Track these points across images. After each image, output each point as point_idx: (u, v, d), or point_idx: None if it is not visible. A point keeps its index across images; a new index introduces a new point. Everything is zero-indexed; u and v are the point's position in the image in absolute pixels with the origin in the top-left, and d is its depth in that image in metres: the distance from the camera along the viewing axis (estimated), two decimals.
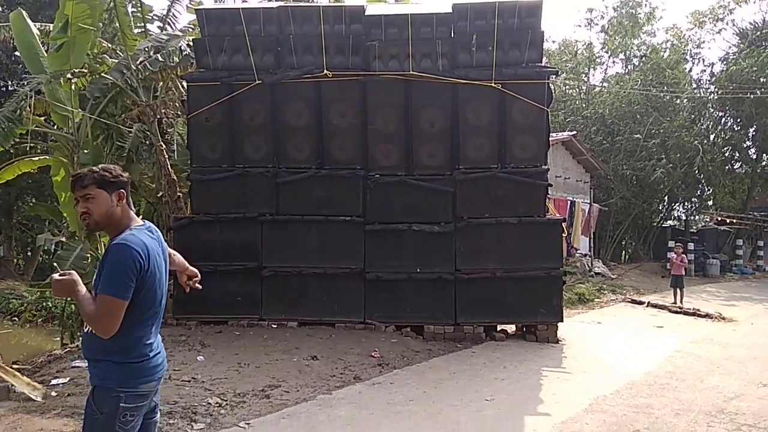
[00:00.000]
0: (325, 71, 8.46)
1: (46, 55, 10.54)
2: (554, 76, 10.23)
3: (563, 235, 9.80)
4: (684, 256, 14.25)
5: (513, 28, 8.43)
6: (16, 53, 14.88)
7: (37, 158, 11.54)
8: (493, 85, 8.38)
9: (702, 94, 25.04)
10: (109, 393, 2.50)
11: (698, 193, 25.95)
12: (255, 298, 8.71)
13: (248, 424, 5.07)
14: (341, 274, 8.65)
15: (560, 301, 8.72)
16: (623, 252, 25.82)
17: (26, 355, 8.78)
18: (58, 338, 10.54)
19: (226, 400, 5.62)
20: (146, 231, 2.65)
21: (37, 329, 11.74)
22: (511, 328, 9.13)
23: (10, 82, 17.67)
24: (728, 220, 23.47)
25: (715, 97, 24.26)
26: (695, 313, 12.03)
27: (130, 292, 2.47)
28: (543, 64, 8.99)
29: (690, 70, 26.48)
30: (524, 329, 8.91)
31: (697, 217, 28.44)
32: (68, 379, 6.27)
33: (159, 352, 2.65)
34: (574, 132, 21.31)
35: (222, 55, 8.66)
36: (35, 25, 11.13)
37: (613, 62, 28.57)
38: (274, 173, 8.80)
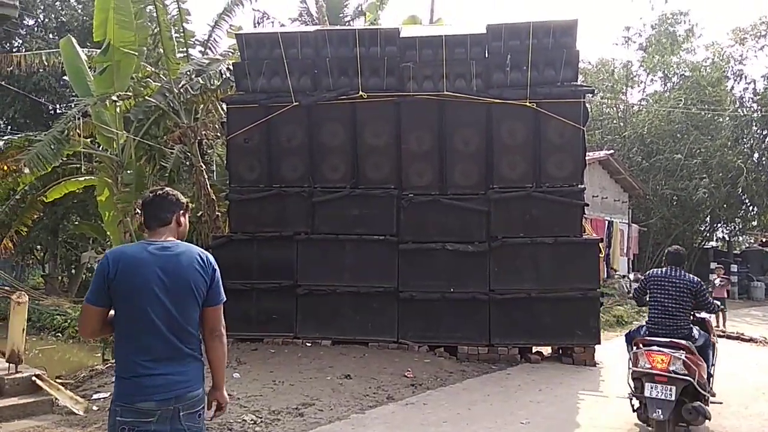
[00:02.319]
0: (361, 92, 8.58)
1: (92, 78, 10.99)
2: (590, 95, 10.15)
3: (600, 255, 9.63)
4: (726, 277, 13.80)
5: (548, 48, 8.43)
6: (65, 77, 15.52)
7: (82, 178, 11.97)
8: (527, 104, 8.37)
9: (745, 113, 24.41)
10: (112, 405, 2.60)
11: (741, 213, 25.18)
12: (290, 316, 8.79)
13: None
14: (375, 293, 8.67)
15: (597, 323, 8.55)
16: None
17: (69, 370, 9.03)
18: (100, 354, 10.81)
19: (260, 418, 5.67)
20: (146, 245, 2.67)
21: (80, 345, 12.06)
22: (546, 350, 8.98)
23: (58, 105, 18.40)
24: None
25: (759, 116, 23.63)
26: (739, 338, 11.63)
27: (97, 297, 2.58)
28: (578, 82, 8.95)
29: (732, 88, 25.88)
30: (560, 351, 8.75)
31: (740, 238, 27.58)
32: (109, 393, 6.41)
33: (161, 374, 2.57)
34: (612, 151, 21.00)
35: (260, 78, 8.88)
36: (83, 51, 11.63)
37: (652, 80, 28.12)
38: (309, 193, 8.93)
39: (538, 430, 5.60)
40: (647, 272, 6.00)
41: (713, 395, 5.35)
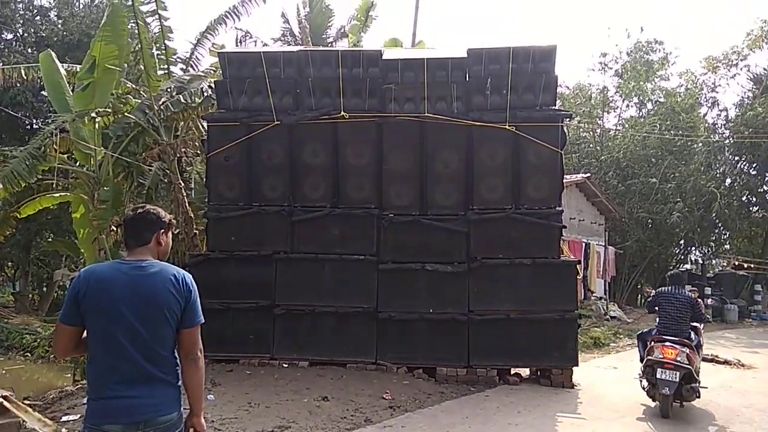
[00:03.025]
0: (342, 113, 8.62)
1: (72, 94, 10.87)
2: (568, 119, 10.32)
3: (578, 277, 9.75)
4: (700, 300, 14.01)
5: (527, 72, 8.58)
6: (42, 93, 15.33)
7: (58, 194, 11.75)
8: (507, 127, 8.48)
9: (717, 139, 25.03)
10: (83, 426, 2.60)
11: (714, 237, 25.66)
12: (267, 336, 8.68)
13: None
14: (353, 314, 8.62)
15: (575, 345, 8.59)
16: (639, 296, 25.44)
17: (37, 391, 8.77)
18: (70, 375, 10.54)
19: None
20: (119, 264, 2.66)
21: (49, 365, 11.75)
22: (525, 371, 8.99)
23: (34, 120, 18.16)
24: (746, 265, 23.12)
25: (731, 142, 24.23)
26: (713, 360, 11.73)
27: (68, 316, 2.57)
28: (557, 107, 9.11)
29: (705, 115, 26.56)
30: (538, 373, 8.77)
31: (713, 261, 28.07)
32: (79, 416, 6.26)
33: (129, 397, 2.53)
34: (588, 174, 21.33)
35: (242, 97, 8.88)
36: (62, 66, 11.51)
37: (628, 106, 28.76)
38: (289, 212, 8.89)
39: None
40: (657, 289, 8.17)
41: (699, 382, 7.22)
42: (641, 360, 7.51)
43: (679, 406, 7.17)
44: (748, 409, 7.66)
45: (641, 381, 7.38)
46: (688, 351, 6.98)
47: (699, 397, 7.14)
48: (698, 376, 7.16)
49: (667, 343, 7.07)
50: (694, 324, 7.62)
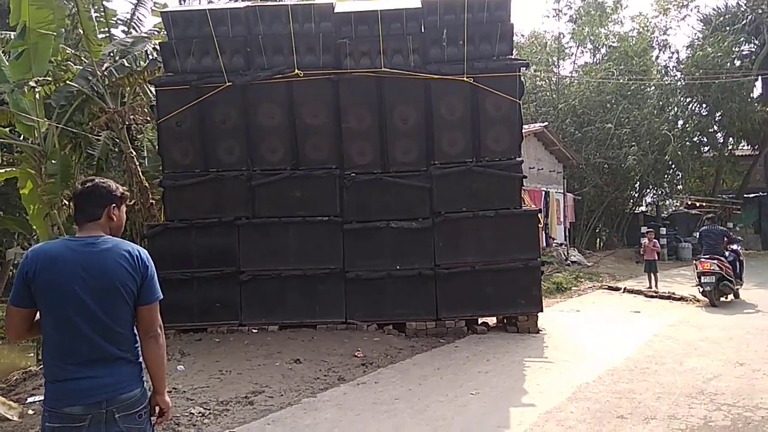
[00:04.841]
0: (297, 71, 8.38)
1: (7, 64, 10.25)
2: (525, 69, 10.29)
3: (540, 225, 9.96)
4: (656, 240, 14.50)
5: (483, 22, 8.46)
6: None
7: (3, 170, 11.22)
8: (465, 79, 8.39)
9: (669, 81, 25.42)
10: (44, 410, 2.52)
11: (668, 178, 26.37)
12: (234, 303, 8.60)
13: None
14: (321, 275, 8.59)
15: (539, 291, 8.79)
16: (597, 239, 26.15)
17: (0, 373, 8.56)
18: (33, 354, 10.29)
19: (209, 409, 5.53)
20: (69, 241, 2.56)
21: (10, 346, 11.47)
22: (492, 320, 9.18)
23: None
24: (698, 204, 23.91)
25: (682, 84, 24.65)
26: (670, 297, 12.22)
27: (19, 298, 2.48)
28: (513, 56, 9.04)
29: (657, 58, 26.88)
30: (505, 321, 8.96)
31: (668, 202, 28.92)
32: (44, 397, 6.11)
33: (86, 378, 2.44)
34: (546, 123, 21.48)
35: (190, 58, 8.53)
36: None
37: (582, 52, 28.87)
38: (248, 176, 8.70)
39: (487, 400, 5.71)
40: (701, 229, 12.68)
41: (739, 285, 11.66)
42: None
43: (725, 299, 11.23)
44: (704, 342, 8.00)
45: (697, 285, 11.19)
46: (717, 262, 10.91)
47: (732, 292, 11.23)
48: (734, 281, 11.18)
49: (702, 259, 11.14)
50: (733, 247, 11.68)
